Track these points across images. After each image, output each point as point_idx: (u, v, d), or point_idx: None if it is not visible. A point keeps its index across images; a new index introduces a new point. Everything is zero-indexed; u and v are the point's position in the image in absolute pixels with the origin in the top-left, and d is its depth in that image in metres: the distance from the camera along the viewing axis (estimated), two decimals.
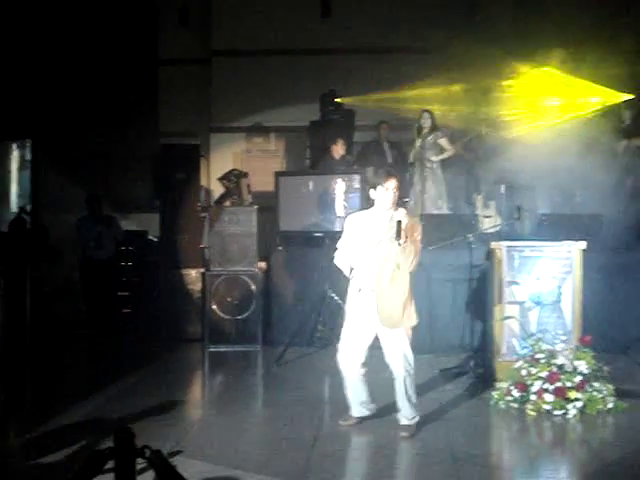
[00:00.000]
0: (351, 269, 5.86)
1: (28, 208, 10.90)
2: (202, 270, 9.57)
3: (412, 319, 5.84)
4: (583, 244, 7.13)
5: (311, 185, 9.04)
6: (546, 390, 6.36)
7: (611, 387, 6.51)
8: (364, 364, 5.93)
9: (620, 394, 6.57)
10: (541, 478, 5.25)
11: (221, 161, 12.83)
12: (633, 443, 5.69)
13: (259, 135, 13.55)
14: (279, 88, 12.85)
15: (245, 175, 10.44)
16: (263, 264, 9.44)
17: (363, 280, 5.77)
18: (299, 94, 12.61)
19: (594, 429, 6.16)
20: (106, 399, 6.94)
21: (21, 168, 12.18)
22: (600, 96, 11.31)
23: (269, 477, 5.04)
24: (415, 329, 8.88)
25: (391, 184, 5.72)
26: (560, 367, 6.47)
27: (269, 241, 9.71)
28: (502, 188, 10.27)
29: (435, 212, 10.25)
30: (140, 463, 2.88)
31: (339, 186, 8.93)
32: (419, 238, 5.81)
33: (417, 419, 5.86)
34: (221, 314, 9.15)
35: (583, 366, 6.48)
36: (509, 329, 7.15)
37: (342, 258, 5.96)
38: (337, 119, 11.99)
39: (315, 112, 12.23)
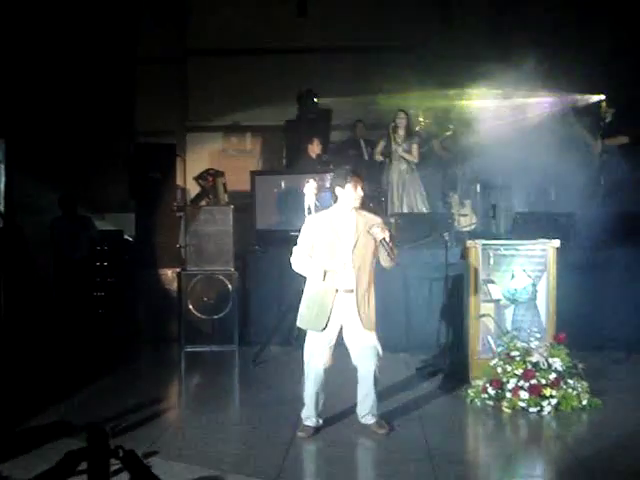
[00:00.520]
0: (324, 272, 5.71)
1: (1, 209, 10.78)
2: (178, 270, 9.52)
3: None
4: (557, 242, 7.18)
5: (287, 184, 9.03)
6: (521, 387, 6.41)
7: (585, 384, 6.57)
8: (328, 369, 5.92)
9: (594, 391, 6.63)
10: (517, 475, 5.29)
11: (197, 160, 12.79)
12: (607, 439, 5.73)
13: (235, 134, 13.54)
14: (255, 87, 12.82)
15: (221, 174, 10.40)
16: (239, 263, 9.41)
17: (340, 282, 5.72)
18: (276, 93, 12.59)
19: (569, 426, 6.21)
20: (81, 400, 6.90)
21: None
22: (576, 95, 11.39)
23: (245, 477, 5.04)
24: (391, 327, 8.97)
25: (357, 183, 5.73)
26: (535, 364, 6.52)
27: (246, 240, 9.69)
28: (477, 187, 10.32)
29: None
30: (114, 464, 2.86)
31: (316, 185, 8.92)
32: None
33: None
34: (197, 314, 9.12)
35: (558, 363, 6.53)
36: (484, 327, 7.19)
37: (306, 262, 5.82)
38: (314, 118, 11.98)
39: (292, 111, 12.23)
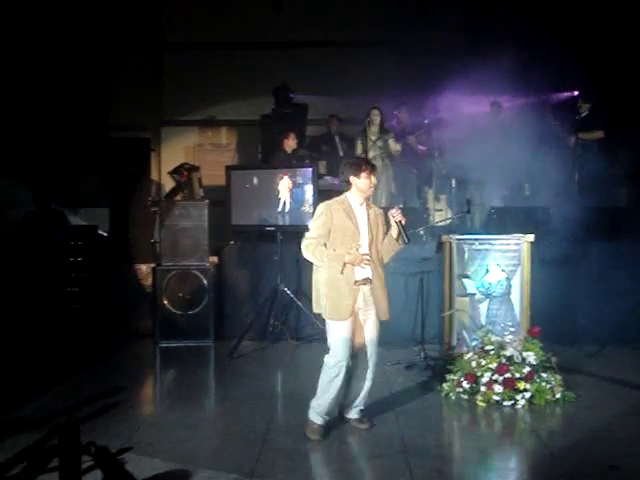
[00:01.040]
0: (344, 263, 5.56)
1: None
2: (153, 265, 9.47)
3: None
4: (531, 237, 7.23)
5: (263, 179, 9.00)
6: (495, 381, 6.46)
7: (559, 377, 6.63)
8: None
9: (568, 384, 6.69)
10: (491, 468, 5.31)
11: (172, 155, 12.72)
12: (580, 432, 5.79)
13: (211, 129, 13.48)
14: (231, 82, 12.78)
15: (196, 169, 10.35)
16: (215, 258, 9.39)
17: (359, 272, 5.64)
18: (251, 88, 12.57)
19: (542, 419, 6.25)
20: (55, 396, 6.84)
21: None
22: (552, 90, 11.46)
23: (220, 472, 5.04)
24: None
25: (372, 172, 5.73)
26: (509, 358, 6.57)
27: (221, 235, 9.65)
28: (453, 182, 10.35)
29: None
30: (87, 461, 2.84)
31: (291, 180, 8.91)
32: None
33: None
34: (172, 309, 9.08)
35: (532, 357, 6.58)
36: (459, 321, 7.22)
37: (322, 250, 5.62)
38: (289, 113, 11.96)
39: (267, 106, 12.20)
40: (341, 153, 11.38)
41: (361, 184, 5.69)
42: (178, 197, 10.04)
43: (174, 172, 10.29)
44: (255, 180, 8.97)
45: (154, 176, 11.88)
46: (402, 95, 11.55)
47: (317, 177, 9.22)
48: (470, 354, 6.80)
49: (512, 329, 6.94)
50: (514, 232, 7.42)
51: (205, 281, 9.08)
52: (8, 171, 9.95)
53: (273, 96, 12.10)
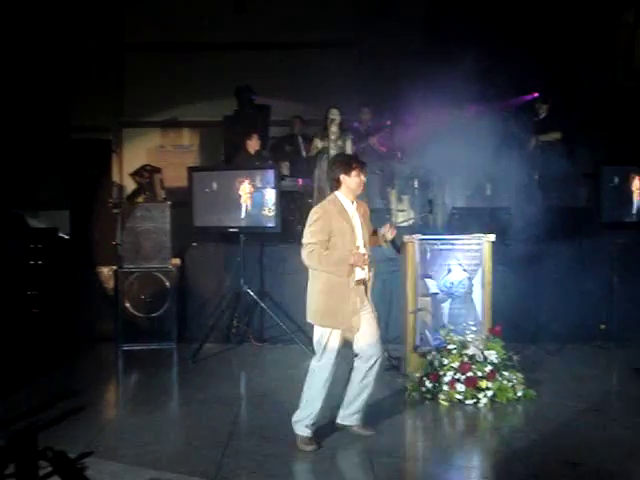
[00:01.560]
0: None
1: None
2: (115, 268, 9.38)
3: None
4: (492, 237, 7.29)
5: (226, 180, 8.97)
6: (458, 380, 6.51)
7: (520, 376, 6.70)
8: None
9: (529, 382, 6.76)
10: (453, 467, 5.34)
11: (134, 156, 12.62)
12: (542, 430, 5.86)
13: (173, 130, 13.41)
14: (193, 83, 12.73)
15: (158, 170, 10.28)
16: (177, 260, 9.33)
17: (357, 274, 5.53)
18: (214, 89, 12.53)
19: (504, 417, 6.32)
20: (13, 402, 6.72)
21: None
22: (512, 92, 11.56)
23: (184, 475, 5.01)
24: None
25: (362, 169, 5.57)
26: (471, 357, 6.63)
27: (184, 237, 9.59)
28: (415, 183, 10.40)
29: None
30: (45, 467, 2.80)
31: (254, 181, 8.89)
32: None
33: None
34: (135, 312, 9.01)
35: (493, 356, 6.64)
36: (422, 321, 7.26)
37: (326, 255, 5.40)
38: (252, 114, 11.93)
39: (230, 107, 12.16)
40: (304, 154, 11.37)
41: (351, 183, 5.52)
42: (140, 199, 9.97)
43: (136, 174, 10.21)
44: (215, 185, 8.92)
45: (115, 178, 11.79)
46: (364, 96, 11.60)
47: (280, 178, 9.21)
48: (432, 353, 6.85)
49: (474, 328, 6.98)
50: (476, 232, 7.47)
51: (167, 283, 9.03)
52: None
53: (235, 97, 12.06)
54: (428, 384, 6.65)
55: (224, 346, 8.89)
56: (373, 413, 6.24)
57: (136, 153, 12.86)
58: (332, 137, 10.30)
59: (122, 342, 8.92)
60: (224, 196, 8.92)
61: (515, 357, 6.84)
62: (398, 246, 5.68)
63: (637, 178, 9.24)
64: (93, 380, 7.74)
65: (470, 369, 6.54)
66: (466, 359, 6.61)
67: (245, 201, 8.89)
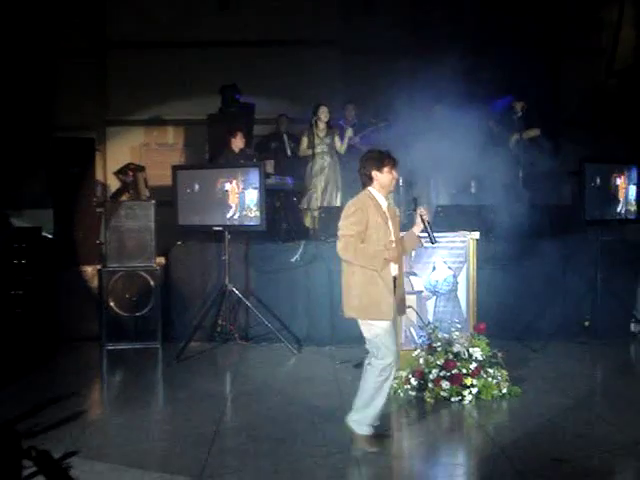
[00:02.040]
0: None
1: None
2: (99, 267, 9.34)
3: None
4: (477, 234, 7.30)
5: (210, 179, 8.94)
6: (443, 377, 6.52)
7: (505, 373, 6.72)
8: None
9: (514, 379, 6.78)
10: (439, 463, 5.35)
11: (118, 155, 12.57)
12: (526, 426, 5.88)
13: (157, 128, 13.36)
14: (177, 81, 12.69)
15: (142, 169, 10.24)
16: (162, 259, 9.30)
17: (393, 269, 5.45)
18: (198, 87, 12.49)
19: (489, 414, 6.34)
20: None
21: None
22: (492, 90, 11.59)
23: (169, 474, 4.99)
24: (316, 321, 9.01)
25: (394, 165, 5.52)
26: (456, 355, 6.65)
27: (169, 236, 9.55)
28: (400, 181, 10.39)
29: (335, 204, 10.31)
30: (29, 467, 2.78)
31: (239, 179, 8.87)
32: None
33: None
34: (119, 311, 8.97)
35: (478, 353, 6.66)
36: (407, 319, 7.26)
37: (365, 248, 5.32)
38: (236, 112, 11.90)
39: (214, 105, 12.13)
40: (289, 152, 11.37)
41: (384, 179, 5.48)
42: (124, 197, 9.93)
43: (120, 172, 10.18)
44: (199, 184, 8.89)
45: (99, 176, 11.73)
46: (349, 94, 11.61)
47: (265, 176, 9.19)
48: (418, 351, 6.86)
49: (459, 326, 7.00)
50: (460, 230, 7.48)
51: (152, 282, 8.99)
52: None
53: (220, 95, 12.02)
54: (413, 382, 6.67)
55: (209, 345, 8.88)
56: None
57: (120, 151, 12.81)
58: (320, 134, 10.28)
59: (106, 341, 8.88)
60: (209, 194, 8.89)
61: (500, 354, 6.86)
62: (432, 233, 5.55)
63: (621, 176, 9.29)
64: (78, 380, 7.70)
65: (455, 366, 6.56)
66: (451, 356, 6.63)
67: (230, 199, 8.86)
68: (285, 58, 12.57)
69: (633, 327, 9.32)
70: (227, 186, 8.87)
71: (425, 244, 5.81)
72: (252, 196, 8.82)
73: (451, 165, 10.00)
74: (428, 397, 6.53)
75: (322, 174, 10.42)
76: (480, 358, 6.65)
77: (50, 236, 10.32)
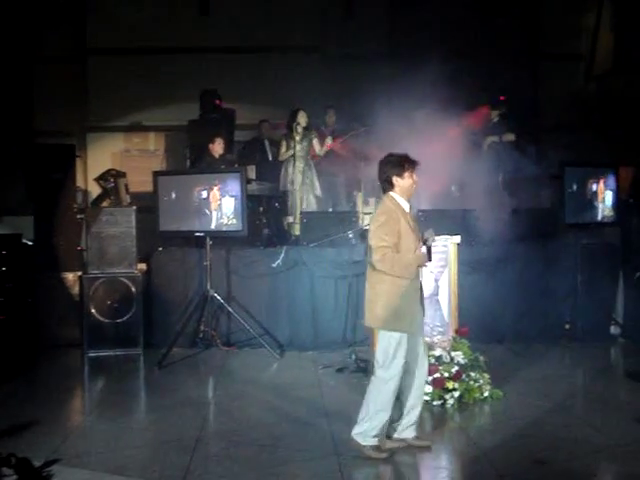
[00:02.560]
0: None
1: None
2: (80, 273, 9.29)
3: None
4: (457, 238, 7.33)
5: (191, 185, 8.92)
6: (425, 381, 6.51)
7: (487, 376, 6.75)
8: None
9: (496, 382, 6.81)
10: (422, 467, 5.36)
11: (99, 161, 12.52)
12: (508, 429, 5.91)
13: (138, 134, 13.32)
14: (158, 86, 12.67)
15: (123, 175, 10.20)
16: (143, 265, 9.27)
17: (421, 276, 5.40)
18: (179, 93, 12.48)
19: (471, 417, 6.37)
20: None
21: None
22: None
23: None
24: (298, 326, 9.01)
25: (414, 170, 5.39)
26: (438, 358, 6.66)
27: (149, 242, 9.52)
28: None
29: (315, 209, 10.32)
30: (9, 475, 2.77)
31: (219, 185, 8.86)
32: None
33: None
34: (100, 318, 8.92)
35: (460, 356, 6.69)
36: None
37: (401, 258, 5.23)
38: (217, 118, 11.90)
39: (195, 111, 12.12)
40: (270, 157, 11.38)
41: (404, 184, 5.35)
42: (105, 203, 9.89)
43: (100, 178, 10.11)
44: (180, 190, 8.88)
45: (80, 183, 11.66)
46: (330, 99, 11.63)
47: (246, 182, 9.19)
48: None
49: (440, 329, 7.03)
50: (441, 234, 7.50)
51: (133, 288, 8.95)
52: None
53: (200, 101, 12.02)
54: None
55: (191, 351, 8.84)
56: (340, 415, 6.26)
57: (101, 158, 12.76)
58: (297, 138, 10.28)
59: (88, 348, 8.84)
60: (189, 200, 8.88)
61: (482, 358, 6.89)
62: (429, 253, 5.37)
63: (600, 180, 9.38)
64: (59, 386, 7.65)
65: (437, 370, 6.57)
66: (433, 360, 6.63)
67: (211, 205, 8.85)
68: (266, 64, 12.58)
69: (613, 329, 9.41)
70: (208, 192, 8.86)
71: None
72: (233, 202, 8.81)
73: (431, 169, 10.01)
74: None
75: (301, 179, 10.35)
76: (462, 362, 6.67)
77: (31, 243, 10.25)
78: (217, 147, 10.22)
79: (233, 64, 12.60)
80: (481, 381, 6.66)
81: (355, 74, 11.74)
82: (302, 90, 11.50)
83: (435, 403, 6.47)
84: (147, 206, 9.23)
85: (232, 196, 8.83)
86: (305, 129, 10.33)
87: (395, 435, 5.56)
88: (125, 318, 8.94)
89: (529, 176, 10.20)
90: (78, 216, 9.68)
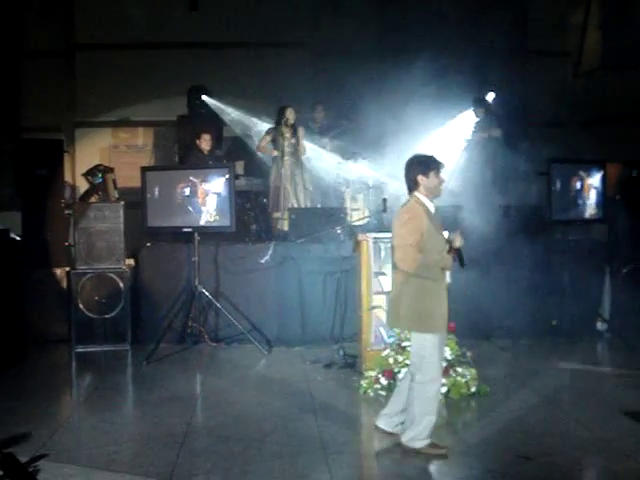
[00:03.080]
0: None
1: None
2: (68, 269, 9.27)
3: None
4: (445, 234, 7.32)
5: (179, 180, 8.91)
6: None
7: (474, 371, 6.78)
8: None
9: (482, 378, 6.84)
10: (408, 462, 5.35)
11: (87, 156, 12.47)
12: (495, 424, 5.95)
13: (126, 130, 13.27)
14: (147, 82, 12.62)
15: (111, 170, 10.18)
16: (131, 261, 9.26)
17: (448, 277, 5.36)
18: (167, 88, 12.44)
19: (458, 413, 6.40)
20: None
21: None
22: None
23: (139, 477, 4.99)
24: (286, 322, 9.03)
25: (440, 169, 5.35)
26: None
27: (137, 237, 9.51)
28: (369, 181, 10.44)
29: (304, 205, 10.31)
30: None
31: (208, 181, 8.86)
32: None
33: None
34: (88, 313, 8.90)
35: (447, 352, 6.69)
36: (376, 318, 7.30)
37: (427, 259, 5.20)
38: (206, 113, 11.88)
39: (184, 106, 12.11)
40: (258, 153, 11.36)
41: (430, 183, 5.31)
42: (93, 199, 9.87)
43: (88, 174, 10.10)
44: (168, 185, 8.86)
45: (68, 178, 11.62)
46: (319, 95, 11.63)
47: (234, 177, 9.19)
48: (387, 351, 6.90)
49: None
50: None
51: (121, 284, 8.94)
52: None
53: (188, 96, 12.00)
54: (383, 381, 6.70)
55: (179, 347, 8.84)
56: (327, 411, 6.30)
57: (89, 153, 12.71)
58: (287, 135, 10.25)
59: (76, 344, 8.83)
60: (178, 196, 8.87)
61: (469, 353, 6.93)
62: (463, 257, 5.35)
63: (587, 176, 9.41)
64: (47, 382, 7.63)
65: None
66: None
67: (199, 201, 8.85)
68: (255, 60, 12.55)
69: (599, 325, 9.46)
70: (196, 187, 8.86)
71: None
72: (221, 197, 8.82)
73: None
74: None
75: (287, 175, 10.31)
76: (449, 357, 6.69)
77: (18, 238, 10.23)
78: (204, 143, 10.19)
79: (222, 60, 12.57)
80: (468, 377, 6.69)
81: (344, 70, 11.71)
82: (291, 86, 11.50)
83: None
84: (135, 201, 9.22)
85: (220, 192, 8.84)
86: (293, 125, 10.31)
87: (381, 426, 5.66)
88: (113, 314, 8.93)
89: (517, 173, 10.23)
90: (66, 211, 9.64)
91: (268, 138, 10.36)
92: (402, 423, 5.52)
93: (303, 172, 10.43)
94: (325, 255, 8.89)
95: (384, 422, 5.70)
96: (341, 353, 7.89)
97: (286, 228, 9.66)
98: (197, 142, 10.20)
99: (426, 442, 5.33)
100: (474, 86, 11.55)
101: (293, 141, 10.28)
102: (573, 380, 7.62)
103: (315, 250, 8.97)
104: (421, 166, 5.33)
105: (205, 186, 8.82)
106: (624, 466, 5.14)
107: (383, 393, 6.65)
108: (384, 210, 8.71)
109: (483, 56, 11.76)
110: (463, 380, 6.64)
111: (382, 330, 7.28)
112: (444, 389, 6.51)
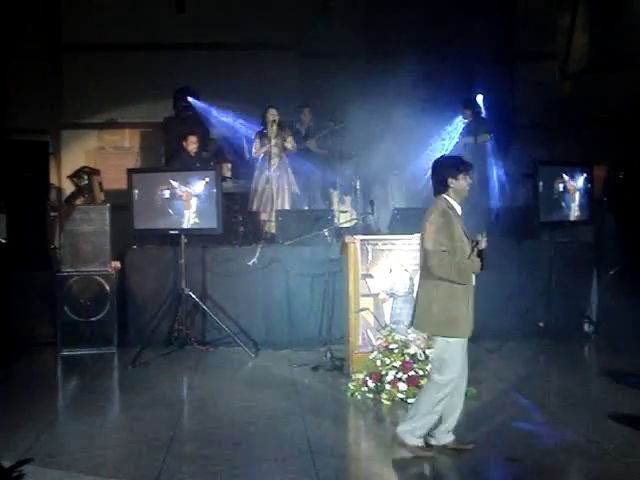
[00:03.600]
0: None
1: None
2: (53, 271, 9.21)
3: None
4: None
5: (166, 182, 8.88)
6: (400, 379, 6.55)
7: None
8: None
9: (470, 380, 6.79)
10: (396, 465, 5.34)
11: (73, 158, 12.41)
12: (483, 427, 5.93)
13: (113, 131, 13.20)
14: (133, 83, 12.56)
15: (97, 172, 10.13)
16: (117, 263, 9.21)
17: (474, 280, 5.29)
18: (154, 90, 12.38)
19: None
20: None
21: None
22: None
23: None
24: (273, 324, 9.01)
25: (468, 171, 5.30)
26: (413, 356, 6.69)
27: (123, 240, 9.46)
28: (357, 183, 10.44)
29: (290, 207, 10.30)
30: None
31: (194, 183, 8.83)
32: None
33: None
34: (74, 316, 8.86)
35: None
36: (364, 321, 7.30)
37: (455, 262, 5.14)
38: (193, 115, 11.85)
39: (170, 108, 12.06)
40: (247, 155, 11.33)
41: (459, 185, 5.25)
42: (78, 201, 9.81)
43: (74, 176, 10.04)
44: (152, 190, 8.82)
45: (54, 180, 11.54)
46: (305, 97, 11.62)
47: (221, 179, 9.15)
48: (375, 353, 6.89)
49: None
50: (417, 232, 7.51)
51: (107, 287, 8.90)
52: None
53: (174, 98, 11.96)
54: (371, 384, 6.69)
55: (166, 350, 8.80)
56: (315, 413, 6.27)
57: (75, 155, 12.64)
58: (271, 136, 10.23)
59: (62, 347, 8.78)
60: (164, 198, 8.84)
61: None
62: (484, 260, 5.27)
63: (574, 178, 9.43)
64: (32, 386, 7.58)
65: (412, 368, 6.60)
66: (408, 358, 6.67)
67: (186, 203, 8.82)
68: (242, 61, 12.51)
69: (586, 327, 9.49)
70: (183, 189, 8.83)
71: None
72: (208, 199, 8.79)
73: (407, 167, 10.07)
74: (385, 399, 6.55)
75: (273, 176, 10.28)
76: None
77: (3, 240, 10.15)
78: (190, 145, 10.18)
79: (209, 61, 12.52)
80: None
81: (330, 72, 11.70)
82: (278, 88, 11.50)
83: (410, 401, 6.45)
84: (122, 204, 9.16)
85: (206, 194, 8.81)
86: (279, 126, 10.29)
87: (434, 442, 5.44)
88: (99, 316, 8.90)
89: (503, 174, 10.25)
90: (52, 214, 9.58)
91: (259, 142, 10.33)
92: (448, 431, 5.44)
93: (289, 174, 10.41)
94: (313, 257, 8.87)
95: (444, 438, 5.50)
96: (328, 356, 7.87)
97: (274, 230, 9.65)
98: (183, 144, 10.18)
99: (418, 442, 5.32)
100: (462, 88, 11.56)
101: (278, 141, 10.25)
102: (560, 382, 7.65)
103: (303, 252, 8.96)
104: (450, 168, 5.28)
105: (191, 188, 8.79)
106: (610, 467, 5.14)
107: (370, 395, 6.65)
108: (372, 212, 8.72)
109: (470, 58, 11.76)
110: None
111: (369, 332, 7.28)
112: None
